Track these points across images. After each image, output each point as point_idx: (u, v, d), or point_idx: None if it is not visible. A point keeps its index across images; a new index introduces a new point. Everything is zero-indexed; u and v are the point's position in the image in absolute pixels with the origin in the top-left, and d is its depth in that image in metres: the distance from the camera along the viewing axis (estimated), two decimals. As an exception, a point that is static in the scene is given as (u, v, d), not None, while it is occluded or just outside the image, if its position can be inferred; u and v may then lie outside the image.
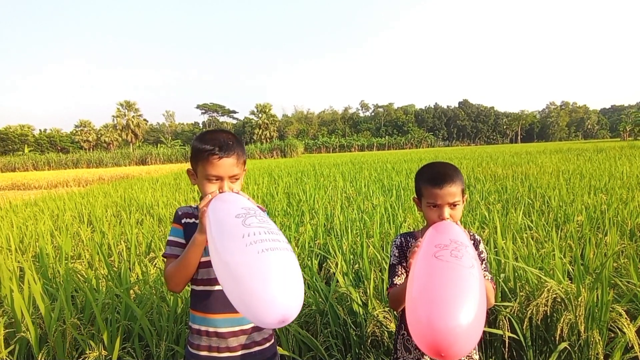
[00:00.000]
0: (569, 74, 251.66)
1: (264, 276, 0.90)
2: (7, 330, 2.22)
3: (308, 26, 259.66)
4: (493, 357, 2.21)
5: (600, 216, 3.86)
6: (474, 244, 1.43)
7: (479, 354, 1.46)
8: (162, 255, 1.39)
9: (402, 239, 1.47)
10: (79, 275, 2.95)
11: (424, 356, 1.39)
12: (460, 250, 1.10)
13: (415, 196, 1.47)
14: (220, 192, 1.26)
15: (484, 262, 1.41)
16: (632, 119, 67.67)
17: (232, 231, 1.01)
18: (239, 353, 1.33)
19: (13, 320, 2.24)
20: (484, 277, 1.37)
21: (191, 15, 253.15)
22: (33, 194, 10.36)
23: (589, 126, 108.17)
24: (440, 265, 1.06)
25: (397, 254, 1.45)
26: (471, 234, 1.46)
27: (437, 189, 1.33)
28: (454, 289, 0.98)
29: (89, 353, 2.07)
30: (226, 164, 1.27)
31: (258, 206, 1.43)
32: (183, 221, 1.37)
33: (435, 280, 1.03)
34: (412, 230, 1.56)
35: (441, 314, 0.94)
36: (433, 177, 1.36)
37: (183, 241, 1.35)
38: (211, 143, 1.27)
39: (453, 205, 1.34)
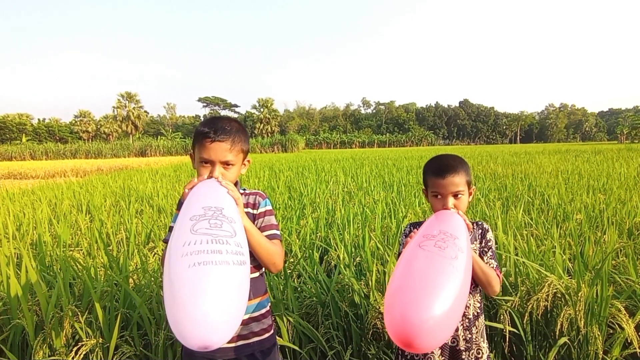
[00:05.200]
0: (568, 76, 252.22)
1: (190, 294, 0.82)
2: (1, 317, 2.19)
3: (311, 22, 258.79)
4: (493, 352, 2.21)
5: (599, 215, 3.87)
6: (481, 233, 1.44)
7: (486, 343, 1.45)
8: (162, 241, 1.39)
9: (411, 227, 1.50)
10: (77, 264, 2.93)
11: None
12: (446, 241, 1.11)
13: (424, 187, 1.50)
14: (209, 178, 1.23)
15: (490, 251, 1.43)
16: (629, 122, 67.79)
17: (179, 235, 0.95)
18: (237, 344, 1.31)
19: (8, 307, 2.21)
20: (489, 265, 1.38)
21: (194, 9, 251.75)
22: (30, 184, 10.31)
23: (587, 128, 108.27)
24: (421, 255, 1.07)
25: (405, 243, 1.47)
26: (480, 223, 1.47)
27: (440, 179, 1.37)
28: (429, 280, 0.98)
29: (86, 341, 2.06)
30: (218, 149, 1.23)
31: (257, 192, 1.40)
32: None
33: (412, 269, 1.04)
34: (423, 220, 1.57)
35: (412, 304, 0.93)
36: (437, 167, 1.40)
37: None
38: (209, 126, 1.25)
39: (456, 195, 1.37)
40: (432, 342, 0.92)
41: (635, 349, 1.95)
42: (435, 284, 0.98)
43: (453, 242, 1.12)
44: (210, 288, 0.84)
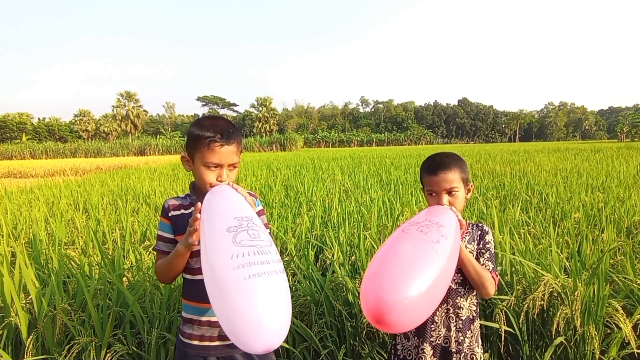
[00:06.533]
0: (568, 75, 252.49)
1: (250, 303, 0.87)
2: (-6, 316, 2.18)
3: (309, 20, 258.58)
4: (489, 351, 2.20)
5: (597, 214, 3.85)
6: (480, 234, 1.43)
7: (481, 348, 1.44)
8: (152, 249, 1.38)
9: None
10: (72, 262, 2.91)
11: (424, 343, 1.38)
12: (430, 227, 1.12)
13: (422, 186, 1.50)
14: (218, 181, 1.25)
15: (487, 252, 1.41)
16: (629, 120, 67.82)
17: (222, 248, 0.98)
18: (231, 342, 1.31)
19: (2, 305, 2.20)
20: (485, 267, 1.36)
21: (193, 9, 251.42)
22: (29, 182, 10.28)
23: (587, 127, 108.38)
24: (403, 237, 1.09)
25: None
26: (480, 225, 1.46)
27: (433, 176, 1.38)
28: (406, 258, 1.00)
29: (79, 339, 2.04)
30: (227, 152, 1.25)
31: (250, 193, 1.40)
32: (170, 214, 1.34)
33: (391, 249, 1.06)
34: None
35: (387, 280, 0.95)
36: (430, 165, 1.41)
37: (171, 236, 1.33)
38: (212, 130, 1.24)
39: (450, 192, 1.36)
40: (403, 320, 0.93)
41: (632, 349, 1.94)
42: (412, 262, 0.99)
43: (437, 228, 1.12)
44: (267, 297, 0.89)
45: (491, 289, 1.33)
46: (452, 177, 1.35)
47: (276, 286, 0.92)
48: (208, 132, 1.23)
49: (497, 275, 1.38)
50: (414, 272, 0.96)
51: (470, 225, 1.46)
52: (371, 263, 1.05)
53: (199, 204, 1.16)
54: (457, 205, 1.36)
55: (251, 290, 0.89)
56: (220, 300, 0.91)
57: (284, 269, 1.00)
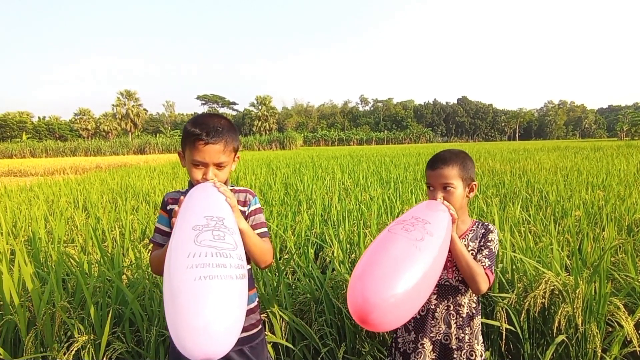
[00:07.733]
0: (568, 73, 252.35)
1: (196, 307, 0.83)
2: (-6, 313, 2.17)
3: (309, 19, 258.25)
4: (490, 349, 2.19)
5: (598, 212, 3.84)
6: (483, 233, 1.41)
7: (482, 346, 1.42)
8: (149, 240, 1.38)
9: None
10: (71, 260, 2.90)
11: (423, 338, 1.38)
12: (415, 225, 1.13)
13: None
14: (203, 180, 1.23)
15: (486, 250, 1.39)
16: (629, 119, 67.91)
17: (182, 245, 0.94)
18: None
19: (1, 303, 2.19)
20: (481, 262, 1.35)
21: (193, 8, 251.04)
22: (29, 180, 10.26)
23: (587, 125, 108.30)
24: (387, 237, 1.11)
25: None
26: (485, 224, 1.45)
27: (430, 171, 1.41)
28: (388, 258, 1.02)
29: (78, 337, 2.03)
30: (211, 151, 1.22)
31: (247, 190, 1.38)
32: (169, 208, 1.33)
33: (376, 249, 1.08)
34: None
35: (370, 280, 0.97)
36: (432, 159, 1.43)
37: (167, 229, 1.33)
38: (200, 127, 1.22)
39: (445, 188, 1.37)
40: (388, 320, 0.94)
41: (634, 347, 1.92)
42: (394, 263, 1.00)
43: (422, 226, 1.13)
44: (214, 302, 0.84)
45: (483, 284, 1.31)
46: (449, 173, 1.36)
47: (228, 291, 0.88)
48: (196, 129, 1.22)
49: (492, 273, 1.36)
50: (397, 272, 0.98)
51: (476, 223, 1.45)
52: (357, 264, 1.07)
53: (182, 197, 1.15)
54: (452, 202, 1.35)
55: (200, 292, 0.84)
56: (168, 298, 0.87)
57: (246, 275, 0.96)
